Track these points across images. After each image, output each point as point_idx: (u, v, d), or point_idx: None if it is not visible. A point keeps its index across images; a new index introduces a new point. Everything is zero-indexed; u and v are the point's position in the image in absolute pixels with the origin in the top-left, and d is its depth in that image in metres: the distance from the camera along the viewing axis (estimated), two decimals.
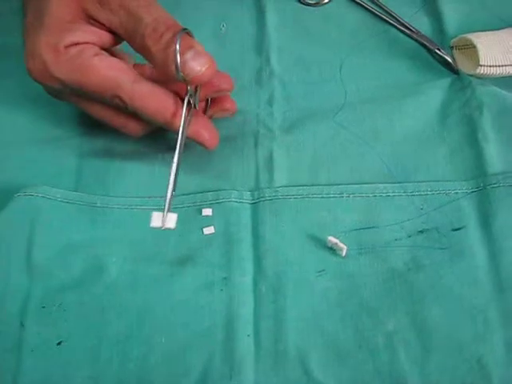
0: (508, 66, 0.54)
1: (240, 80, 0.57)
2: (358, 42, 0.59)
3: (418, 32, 0.58)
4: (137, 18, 0.46)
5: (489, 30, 0.57)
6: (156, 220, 0.44)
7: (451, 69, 0.56)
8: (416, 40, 0.58)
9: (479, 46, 0.54)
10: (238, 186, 0.52)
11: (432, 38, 0.58)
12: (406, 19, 0.59)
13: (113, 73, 0.47)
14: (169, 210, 0.45)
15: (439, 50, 0.56)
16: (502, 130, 0.53)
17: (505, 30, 0.57)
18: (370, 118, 0.54)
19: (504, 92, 0.55)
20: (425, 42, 0.57)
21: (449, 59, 0.56)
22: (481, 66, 0.54)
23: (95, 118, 0.51)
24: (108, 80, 0.47)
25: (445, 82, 0.56)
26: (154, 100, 0.48)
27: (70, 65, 0.47)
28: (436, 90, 0.55)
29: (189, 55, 0.45)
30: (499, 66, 0.54)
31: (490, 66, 0.54)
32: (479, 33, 0.56)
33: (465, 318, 0.46)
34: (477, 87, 0.54)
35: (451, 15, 0.60)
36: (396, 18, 0.59)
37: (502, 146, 0.52)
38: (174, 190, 0.46)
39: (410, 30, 0.58)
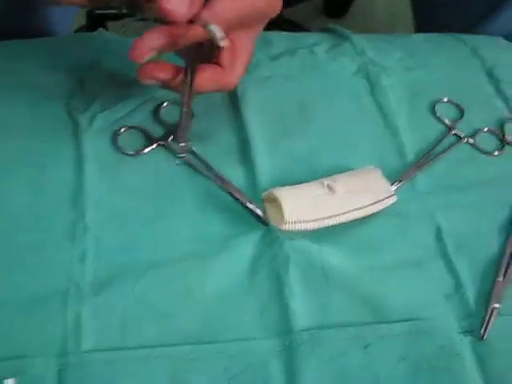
0: (314, 221, 0.56)
1: (52, 235, 0.56)
2: (175, 194, 0.60)
3: (231, 184, 0.59)
4: None
5: (299, 183, 0.59)
6: None
7: (262, 222, 0.57)
8: (228, 192, 0.59)
9: (284, 203, 0.56)
10: (44, 351, 0.50)
11: (246, 191, 0.60)
12: (222, 170, 0.61)
13: None
14: None
15: (250, 202, 0.58)
16: (308, 285, 0.55)
17: (314, 182, 0.59)
18: (179, 277, 0.54)
19: (311, 245, 0.57)
20: (237, 195, 0.58)
21: (259, 213, 0.57)
22: (286, 222, 0.56)
23: None
24: None
25: (255, 235, 0.57)
26: None
27: None
28: (246, 245, 0.57)
29: None
30: (305, 221, 0.56)
31: (296, 222, 0.56)
32: (287, 187, 0.58)
33: None
34: (284, 241, 0.56)
35: (264, 167, 0.62)
36: (211, 170, 0.61)
37: (307, 302, 0.54)
38: None
39: (224, 182, 0.60)
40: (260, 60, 0.73)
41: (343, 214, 0.58)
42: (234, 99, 0.69)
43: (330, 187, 0.58)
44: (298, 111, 0.69)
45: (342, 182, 0.59)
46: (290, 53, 0.76)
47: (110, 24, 1.40)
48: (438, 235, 0.60)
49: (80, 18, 1.38)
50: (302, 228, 0.56)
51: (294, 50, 0.76)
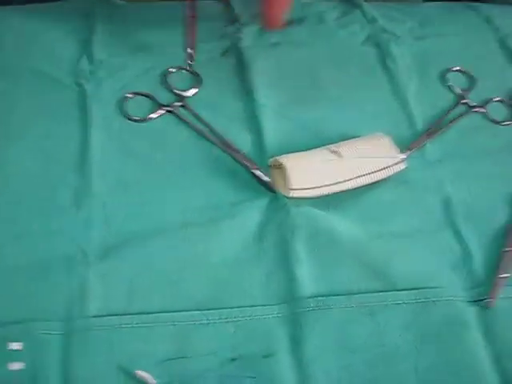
0: (318, 187, 0.56)
1: (59, 201, 0.56)
2: (182, 161, 0.59)
3: (239, 151, 0.59)
4: None
5: (306, 150, 0.59)
6: None
7: (269, 188, 0.57)
8: (236, 159, 0.59)
9: (289, 170, 0.55)
10: (50, 316, 0.50)
11: (253, 157, 0.59)
12: (230, 137, 0.60)
13: None
14: None
15: (257, 169, 0.57)
16: (314, 252, 0.54)
17: (321, 149, 0.59)
18: (187, 243, 0.54)
19: (318, 212, 0.56)
20: (244, 162, 0.58)
21: (266, 179, 0.57)
22: (291, 189, 0.55)
23: None
24: None
25: (262, 202, 0.57)
26: None
27: None
28: (253, 211, 0.56)
29: None
30: (310, 188, 0.55)
31: (301, 189, 0.55)
32: (293, 154, 0.58)
33: None
34: (291, 208, 0.56)
35: (272, 134, 0.62)
36: (219, 137, 0.60)
37: (313, 269, 0.54)
38: None
39: (232, 148, 0.59)
40: None
41: (350, 179, 0.57)
42: (241, 66, 0.68)
43: (336, 153, 0.58)
44: (307, 79, 0.69)
45: (349, 148, 0.59)
46: (298, 20, 0.75)
47: None
48: (447, 204, 0.59)
49: None
50: (308, 195, 0.56)
51: (303, 18, 0.75)
